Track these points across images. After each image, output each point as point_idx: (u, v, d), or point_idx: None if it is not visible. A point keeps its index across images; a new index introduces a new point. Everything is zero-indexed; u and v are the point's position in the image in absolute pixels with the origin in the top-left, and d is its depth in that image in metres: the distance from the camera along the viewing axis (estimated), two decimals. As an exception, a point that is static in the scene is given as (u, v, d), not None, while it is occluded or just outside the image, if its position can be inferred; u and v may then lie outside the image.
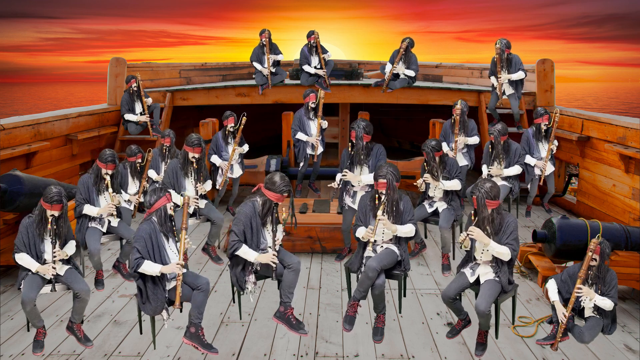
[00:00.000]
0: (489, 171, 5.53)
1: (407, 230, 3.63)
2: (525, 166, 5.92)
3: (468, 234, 3.33)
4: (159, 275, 3.27)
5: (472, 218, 3.38)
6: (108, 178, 4.30)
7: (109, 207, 4.28)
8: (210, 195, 5.15)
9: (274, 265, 3.49)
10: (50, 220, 3.43)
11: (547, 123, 5.88)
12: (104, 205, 4.30)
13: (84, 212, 4.26)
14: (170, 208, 3.35)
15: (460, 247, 3.48)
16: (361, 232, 3.66)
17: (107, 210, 4.29)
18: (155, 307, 3.31)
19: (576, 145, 6.44)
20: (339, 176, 4.67)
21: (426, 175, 4.61)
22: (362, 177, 4.55)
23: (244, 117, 5.63)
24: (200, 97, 7.73)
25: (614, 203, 5.87)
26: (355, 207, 4.56)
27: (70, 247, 3.65)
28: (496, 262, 3.41)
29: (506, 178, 5.58)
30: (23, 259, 3.43)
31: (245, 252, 3.45)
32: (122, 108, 6.83)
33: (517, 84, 6.70)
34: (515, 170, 5.53)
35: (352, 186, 4.63)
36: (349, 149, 4.59)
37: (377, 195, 3.62)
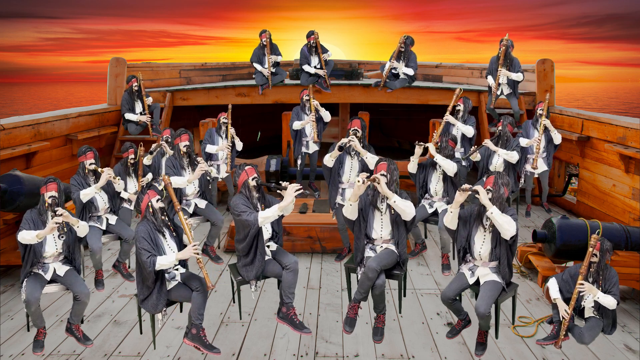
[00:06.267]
0: (485, 143, 5.48)
1: (406, 203, 3.47)
2: (520, 159, 5.95)
3: (472, 190, 3.28)
4: (171, 266, 3.25)
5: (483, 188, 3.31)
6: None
7: (51, 226, 3.33)
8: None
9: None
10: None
11: (542, 109, 5.95)
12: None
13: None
14: (157, 201, 3.34)
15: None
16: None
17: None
18: (156, 305, 3.29)
19: (576, 145, 6.45)
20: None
21: (429, 144, 4.83)
22: (367, 155, 4.50)
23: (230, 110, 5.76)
24: (200, 97, 7.73)
25: (614, 203, 5.87)
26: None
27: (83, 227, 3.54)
28: (498, 258, 3.39)
29: None
30: (24, 236, 3.29)
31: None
32: (123, 108, 6.83)
33: (514, 84, 6.70)
34: (511, 155, 5.41)
35: (341, 183, 4.63)
36: (348, 136, 4.51)
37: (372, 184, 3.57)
